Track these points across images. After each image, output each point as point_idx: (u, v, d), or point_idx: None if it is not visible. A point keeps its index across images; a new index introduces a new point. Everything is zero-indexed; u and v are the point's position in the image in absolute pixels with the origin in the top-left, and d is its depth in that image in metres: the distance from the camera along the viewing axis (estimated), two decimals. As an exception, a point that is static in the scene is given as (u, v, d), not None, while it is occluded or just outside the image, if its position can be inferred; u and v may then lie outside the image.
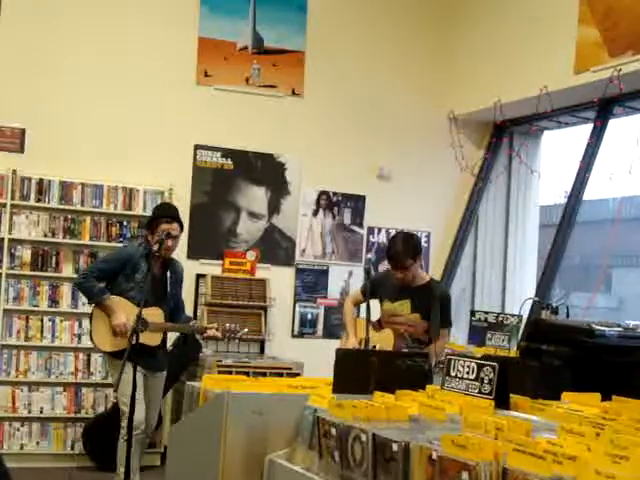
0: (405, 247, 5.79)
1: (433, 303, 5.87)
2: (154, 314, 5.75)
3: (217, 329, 5.89)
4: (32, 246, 7.60)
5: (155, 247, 5.71)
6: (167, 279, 5.88)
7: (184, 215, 8.02)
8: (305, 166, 8.57)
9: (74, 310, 7.65)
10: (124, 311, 5.79)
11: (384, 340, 5.52)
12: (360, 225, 8.82)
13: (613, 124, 7.65)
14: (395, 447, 2.24)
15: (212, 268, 8.21)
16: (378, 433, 2.32)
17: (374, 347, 5.63)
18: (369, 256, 6.03)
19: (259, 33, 8.51)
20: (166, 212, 6.07)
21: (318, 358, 5.87)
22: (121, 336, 5.76)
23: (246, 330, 6.01)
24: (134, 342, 5.18)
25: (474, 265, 9.29)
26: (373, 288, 6.02)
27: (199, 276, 8.07)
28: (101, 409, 7.62)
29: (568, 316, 6.12)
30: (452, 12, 9.10)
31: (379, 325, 6.00)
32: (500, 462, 1.97)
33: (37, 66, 7.73)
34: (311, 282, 8.58)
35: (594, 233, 9.51)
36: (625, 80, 6.87)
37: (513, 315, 6.39)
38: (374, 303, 5.88)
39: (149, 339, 5.70)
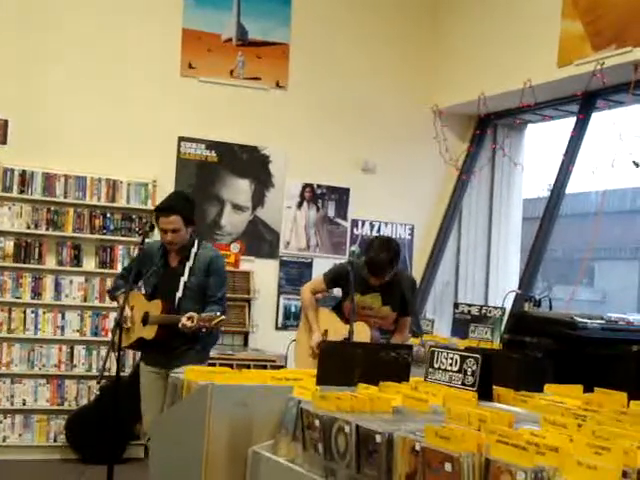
0: (392, 260, 5.70)
1: (405, 292, 5.87)
2: (154, 307, 5.46)
3: (191, 319, 5.21)
4: (15, 238, 7.57)
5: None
6: (184, 270, 5.52)
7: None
8: (289, 158, 8.56)
9: (57, 302, 7.63)
10: (132, 304, 5.53)
11: (359, 334, 5.48)
12: (344, 218, 8.83)
13: (596, 117, 7.68)
14: (379, 438, 2.25)
15: (196, 260, 8.19)
16: (362, 424, 2.33)
17: (346, 339, 5.60)
18: (353, 248, 6.01)
19: (243, 25, 8.49)
20: (161, 204, 5.68)
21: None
22: (132, 326, 5.52)
23: (223, 317, 5.28)
24: (118, 338, 5.15)
25: (457, 258, 9.32)
26: (340, 279, 5.97)
27: (183, 268, 8.05)
28: (84, 401, 7.61)
29: (551, 309, 6.16)
30: (436, 5, 9.11)
31: (344, 317, 5.92)
32: (483, 453, 1.98)
33: (20, 57, 7.69)
34: (295, 274, 8.58)
35: (577, 226, 9.56)
36: (608, 73, 6.89)
37: (496, 308, 6.43)
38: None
39: (146, 333, 5.44)
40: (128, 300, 5.46)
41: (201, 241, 5.69)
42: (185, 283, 5.50)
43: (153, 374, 5.53)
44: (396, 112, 8.99)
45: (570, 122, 7.90)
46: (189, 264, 5.53)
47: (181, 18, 8.26)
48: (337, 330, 5.76)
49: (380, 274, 5.70)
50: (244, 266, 8.34)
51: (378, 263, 5.65)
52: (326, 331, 5.87)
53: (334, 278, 6.05)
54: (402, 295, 5.86)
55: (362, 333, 5.53)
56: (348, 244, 8.73)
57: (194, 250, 5.55)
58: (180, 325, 5.24)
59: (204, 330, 5.26)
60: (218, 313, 5.29)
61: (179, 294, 5.48)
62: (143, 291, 5.74)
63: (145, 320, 5.46)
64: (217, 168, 8.37)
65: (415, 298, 6.10)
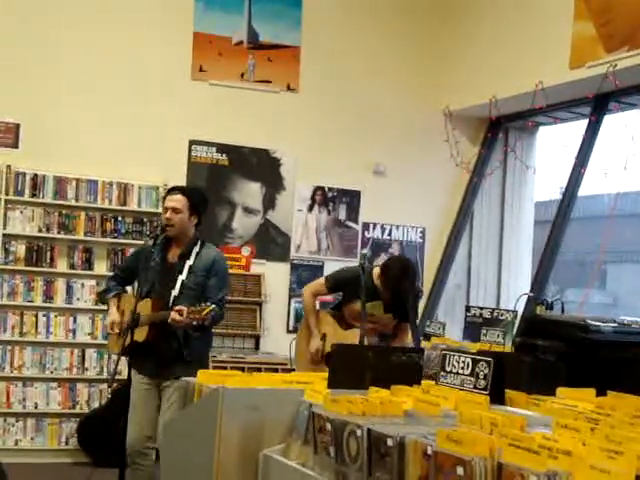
0: (413, 285, 5.76)
1: (407, 300, 5.82)
2: (144, 306, 5.20)
3: (181, 312, 5.00)
4: (27, 241, 7.59)
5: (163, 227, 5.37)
6: (183, 267, 5.32)
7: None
8: (300, 161, 8.56)
9: (69, 306, 7.65)
10: (123, 308, 5.40)
11: (354, 340, 5.45)
12: (355, 221, 8.82)
13: (608, 120, 7.65)
14: (390, 442, 2.23)
15: (207, 264, 8.19)
16: (373, 428, 2.32)
17: None
18: (364, 252, 5.99)
19: (254, 28, 8.50)
20: (171, 188, 5.57)
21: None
22: (116, 336, 5.35)
23: (213, 306, 5.06)
24: (127, 342, 4.94)
25: (469, 261, 9.30)
26: (342, 284, 5.95)
27: (194, 272, 8.05)
28: (96, 404, 7.63)
29: (563, 312, 6.12)
30: (448, 8, 9.09)
31: (344, 322, 5.90)
32: (495, 457, 1.96)
33: (32, 61, 7.72)
34: (306, 278, 8.56)
35: (589, 229, 9.53)
36: (620, 76, 6.87)
37: (508, 311, 6.39)
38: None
39: (137, 335, 5.15)
40: (120, 304, 5.42)
41: (204, 242, 5.50)
42: (183, 282, 5.30)
43: (144, 385, 5.32)
44: (407, 115, 8.98)
45: (582, 124, 7.88)
46: (189, 262, 5.35)
47: (192, 22, 8.27)
48: (336, 335, 5.74)
49: (398, 298, 5.70)
50: (255, 269, 8.34)
51: (402, 292, 5.65)
52: (324, 335, 5.84)
53: (337, 283, 5.99)
54: (404, 303, 5.84)
55: (355, 339, 5.49)
56: (359, 247, 8.72)
57: (196, 249, 5.39)
58: (170, 320, 5.05)
59: (195, 323, 5.07)
60: (208, 303, 5.09)
61: (175, 292, 5.28)
62: (130, 290, 5.62)
63: (136, 322, 5.20)
64: (228, 171, 8.37)
65: (416, 307, 6.08)
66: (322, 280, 6.17)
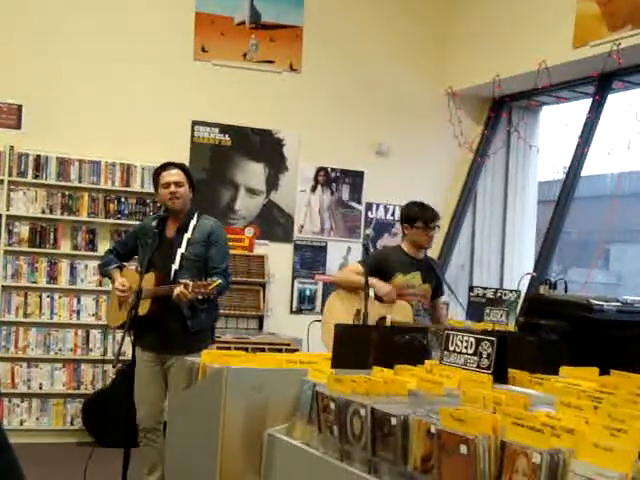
0: (435, 217, 6.05)
1: (440, 274, 6.17)
2: (146, 280, 5.14)
3: (187, 287, 4.93)
4: (30, 222, 7.60)
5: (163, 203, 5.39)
6: (182, 241, 5.31)
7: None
8: (303, 142, 8.55)
9: (72, 286, 7.67)
10: (127, 279, 5.41)
11: (400, 312, 5.58)
12: (358, 201, 8.81)
13: (612, 99, 7.63)
14: (394, 421, 2.24)
15: (210, 244, 8.19)
16: (377, 407, 2.33)
17: (383, 318, 5.66)
18: (367, 232, 6.01)
19: (256, 8, 8.46)
20: (165, 164, 5.49)
21: (317, 334, 5.88)
22: (124, 302, 5.35)
23: (219, 282, 5.01)
24: (132, 317, 4.92)
25: (472, 241, 9.29)
26: (377, 264, 5.98)
27: (197, 252, 8.05)
28: (100, 385, 7.65)
29: (566, 291, 6.12)
30: (451, -14, 9.05)
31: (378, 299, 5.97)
32: (498, 435, 1.97)
33: (33, 42, 7.69)
34: (309, 258, 8.58)
35: (592, 209, 9.51)
36: (624, 54, 6.84)
37: (511, 290, 6.40)
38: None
39: (140, 309, 5.08)
40: (116, 273, 5.46)
41: (201, 213, 5.47)
42: (182, 254, 5.28)
43: (149, 363, 5.33)
44: (410, 95, 8.95)
45: (586, 104, 7.85)
46: (187, 235, 5.33)
47: (194, 1, 8.23)
48: (372, 309, 5.76)
49: (434, 223, 6.00)
50: (258, 250, 8.34)
51: (429, 208, 6.00)
52: (358, 311, 5.84)
53: (373, 263, 5.90)
54: (437, 276, 6.10)
55: (401, 311, 5.62)
56: (362, 227, 8.72)
57: (193, 222, 5.37)
58: (174, 296, 5.01)
59: (201, 298, 5.03)
60: (215, 278, 5.07)
61: (175, 266, 5.27)
62: (133, 267, 5.61)
63: (139, 296, 5.14)
64: (231, 152, 8.36)
65: (439, 277, 6.27)
66: (357, 263, 6.14)
